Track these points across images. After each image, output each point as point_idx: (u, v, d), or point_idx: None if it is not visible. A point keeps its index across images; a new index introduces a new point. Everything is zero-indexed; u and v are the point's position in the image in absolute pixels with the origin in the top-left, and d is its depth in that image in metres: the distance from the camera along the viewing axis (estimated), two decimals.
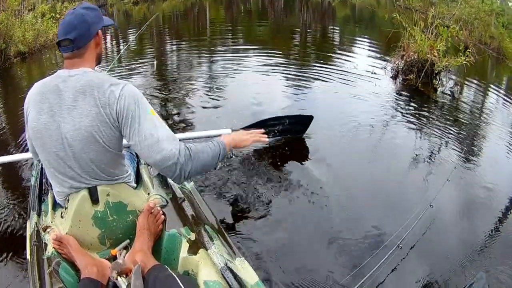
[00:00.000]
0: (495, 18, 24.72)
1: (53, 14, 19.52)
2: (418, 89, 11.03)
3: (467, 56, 10.99)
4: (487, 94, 12.15)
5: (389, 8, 45.91)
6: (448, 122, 8.91)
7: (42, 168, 4.07)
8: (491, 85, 13.01)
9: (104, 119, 2.89)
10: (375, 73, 12.27)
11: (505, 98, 11.79)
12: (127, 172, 3.35)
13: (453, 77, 12.26)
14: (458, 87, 11.90)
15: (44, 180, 4.01)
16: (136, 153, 3.89)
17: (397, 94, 10.87)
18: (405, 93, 10.83)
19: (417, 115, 9.27)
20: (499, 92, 12.51)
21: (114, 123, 2.94)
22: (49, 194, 3.70)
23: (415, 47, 11.69)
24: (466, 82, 12.50)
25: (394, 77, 12.02)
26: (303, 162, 6.57)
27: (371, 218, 5.21)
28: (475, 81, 12.78)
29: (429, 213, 4.83)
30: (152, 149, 2.89)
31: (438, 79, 11.77)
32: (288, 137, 6.96)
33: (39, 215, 3.62)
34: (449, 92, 11.40)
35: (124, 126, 2.94)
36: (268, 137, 4.96)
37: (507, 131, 8.85)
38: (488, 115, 10.11)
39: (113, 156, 3.11)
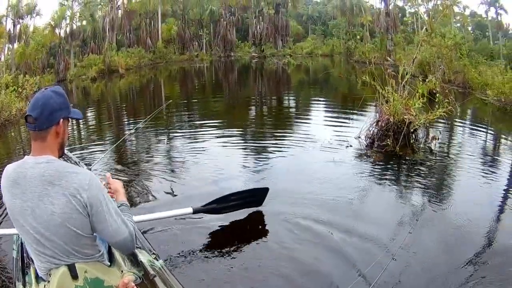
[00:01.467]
0: (459, 51, 24.86)
1: (15, 87, 19.43)
2: (396, 154, 10.45)
3: (445, 106, 10.68)
4: (463, 133, 12.62)
5: (344, 67, 47.23)
6: (424, 184, 8.66)
7: (22, 243, 4.24)
8: (465, 123, 13.50)
9: (73, 207, 2.97)
10: (343, 141, 11.92)
11: (477, 130, 12.51)
12: (99, 252, 3.35)
13: (427, 130, 11.99)
14: (435, 140, 11.43)
15: (25, 254, 4.13)
16: None
17: (372, 163, 10.24)
18: (382, 161, 10.26)
19: (395, 182, 9.00)
20: (473, 127, 13.08)
21: (84, 210, 3.02)
22: (31, 267, 3.58)
23: (389, 110, 11.11)
24: (440, 130, 12.47)
25: (370, 145, 11.38)
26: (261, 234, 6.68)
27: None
28: (448, 126, 12.90)
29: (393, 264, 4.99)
30: (116, 233, 3.16)
31: (414, 137, 11.27)
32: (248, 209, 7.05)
33: (24, 286, 3.69)
34: (427, 148, 11.16)
35: (93, 215, 3.06)
36: (230, 211, 6.32)
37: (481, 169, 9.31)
38: (463, 159, 10.36)
39: (85, 239, 3.17)
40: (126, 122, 17.88)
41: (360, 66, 43.03)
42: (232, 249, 6.12)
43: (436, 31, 26.68)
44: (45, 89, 3.13)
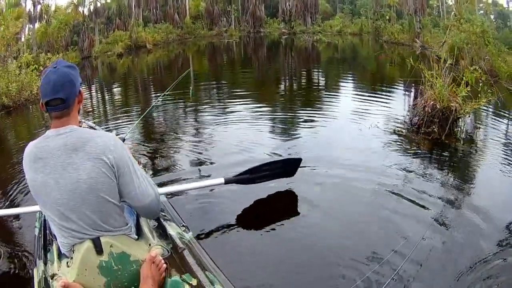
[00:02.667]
0: (486, 38, 24.14)
1: (37, 66, 19.23)
2: (442, 142, 9.87)
3: (490, 94, 10.22)
4: (501, 123, 12.09)
5: (372, 46, 46.56)
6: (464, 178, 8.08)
7: (45, 220, 4.23)
8: (501, 113, 12.92)
9: (100, 170, 3.05)
10: (385, 125, 11.46)
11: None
12: (127, 224, 3.42)
13: (469, 119, 11.32)
14: (477, 129, 11.16)
15: (48, 231, 4.13)
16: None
17: (421, 151, 9.61)
18: (430, 149, 9.67)
19: (446, 173, 8.40)
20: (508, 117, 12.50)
21: (111, 172, 3.12)
22: (54, 244, 3.72)
23: (434, 95, 10.52)
24: (479, 121, 11.99)
25: (415, 131, 10.73)
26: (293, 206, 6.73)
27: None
28: (484, 115, 12.49)
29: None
30: (143, 195, 3.31)
31: (457, 126, 10.66)
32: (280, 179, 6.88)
33: (45, 263, 3.67)
34: (469, 137, 10.60)
35: (120, 176, 3.18)
36: (262, 181, 6.31)
37: None
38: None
39: (113, 207, 3.23)
40: (154, 95, 17.69)
41: (389, 46, 42.59)
42: (263, 222, 6.14)
43: (464, 17, 26.07)
44: (55, 68, 3.15)
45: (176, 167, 8.39)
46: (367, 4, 63.22)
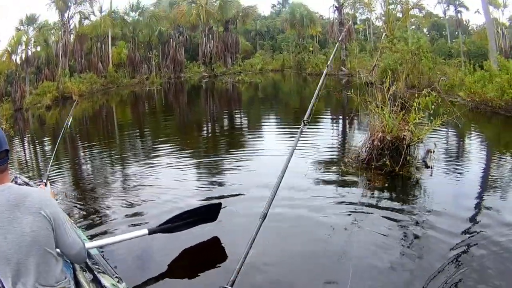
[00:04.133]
0: (423, 54, 24.50)
1: None
2: (397, 174, 9.57)
3: (443, 116, 10.03)
4: (451, 141, 12.92)
5: (295, 81, 46.97)
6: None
7: None
8: (447, 130, 13.57)
9: (40, 223, 3.18)
10: (329, 163, 11.32)
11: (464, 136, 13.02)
12: (65, 278, 3.51)
13: (421, 144, 10.87)
14: (430, 153, 10.70)
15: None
16: (70, 261, 3.97)
17: (379, 188, 9.17)
18: (387, 184, 9.33)
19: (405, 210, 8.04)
20: (456, 133, 13.53)
21: (49, 224, 3.24)
22: None
23: (382, 127, 10.14)
24: (430, 141, 11.61)
25: (366, 167, 10.22)
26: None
27: None
28: (434, 135, 12.21)
29: None
30: (74, 243, 3.47)
31: (409, 154, 10.20)
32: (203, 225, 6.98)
33: None
34: (423, 163, 10.32)
35: (56, 228, 3.30)
36: (185, 229, 6.42)
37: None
38: (463, 173, 10.07)
39: (54, 260, 3.34)
40: (81, 147, 17.43)
41: (313, 78, 42.88)
42: (190, 265, 6.34)
43: (397, 36, 26.40)
44: None
45: (105, 218, 8.31)
46: (289, 37, 63.92)
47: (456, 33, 56.33)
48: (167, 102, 36.21)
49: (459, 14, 54.17)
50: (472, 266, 5.80)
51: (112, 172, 12.44)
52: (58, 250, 3.51)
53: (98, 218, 8.27)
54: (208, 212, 7.03)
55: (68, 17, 47.18)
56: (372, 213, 7.74)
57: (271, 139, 15.17)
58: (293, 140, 12.04)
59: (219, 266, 6.28)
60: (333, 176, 10.02)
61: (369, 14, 54.49)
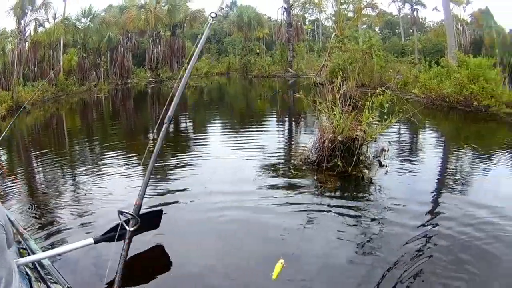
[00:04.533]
0: (374, 52, 24.33)
1: None
2: (349, 174, 9.55)
3: (398, 115, 10.00)
4: (403, 138, 13.25)
5: (240, 83, 46.78)
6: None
7: None
8: (401, 127, 13.90)
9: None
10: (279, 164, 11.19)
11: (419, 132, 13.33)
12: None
13: (374, 144, 10.91)
14: (384, 151, 10.72)
15: None
16: (26, 272, 4.08)
17: (330, 190, 9.17)
18: (339, 186, 9.32)
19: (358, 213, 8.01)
20: (411, 130, 13.85)
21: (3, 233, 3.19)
22: None
23: (332, 128, 10.01)
24: (382, 139, 11.55)
25: (316, 168, 10.18)
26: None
27: None
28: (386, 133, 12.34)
29: None
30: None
31: (361, 153, 10.16)
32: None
33: None
34: (377, 162, 10.39)
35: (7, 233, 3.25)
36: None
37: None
38: (417, 171, 10.35)
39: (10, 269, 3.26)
40: (34, 156, 16.60)
41: (259, 80, 42.66)
42: (136, 274, 6.23)
43: (347, 36, 26.27)
44: None
45: (55, 228, 8.05)
46: (235, 40, 63.63)
47: (411, 30, 56.90)
48: (114, 109, 35.87)
49: (415, 12, 54.72)
50: (427, 259, 6.03)
51: (62, 181, 11.94)
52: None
53: (48, 229, 8.02)
54: (150, 220, 6.88)
55: (24, 24, 46.14)
56: (326, 212, 7.81)
57: (215, 142, 15.25)
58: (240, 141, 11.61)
59: (168, 274, 6.32)
60: (281, 180, 9.85)
61: (318, 14, 54.57)
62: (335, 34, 32.06)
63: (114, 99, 43.19)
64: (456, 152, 11.92)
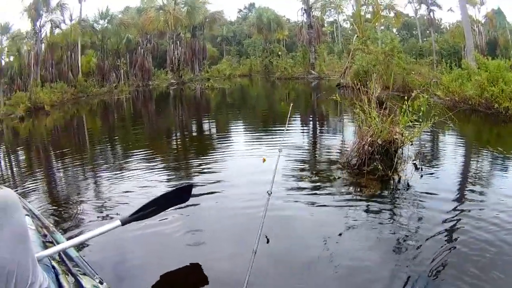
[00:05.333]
0: (396, 55, 24.32)
1: None
2: (390, 178, 9.36)
3: (434, 118, 9.77)
4: (437, 142, 13.06)
5: (263, 85, 46.77)
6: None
7: None
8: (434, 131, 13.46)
9: None
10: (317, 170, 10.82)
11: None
12: (47, 282, 3.29)
13: (410, 146, 10.70)
14: (420, 155, 10.79)
15: None
16: (52, 265, 4.02)
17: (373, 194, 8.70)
18: (380, 190, 8.94)
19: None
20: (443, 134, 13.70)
21: None
22: None
23: (371, 131, 9.81)
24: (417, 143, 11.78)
25: (358, 172, 9.84)
26: None
27: None
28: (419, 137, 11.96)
29: None
30: None
31: (398, 157, 9.93)
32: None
33: None
34: (412, 166, 10.08)
35: None
36: (157, 213, 5.91)
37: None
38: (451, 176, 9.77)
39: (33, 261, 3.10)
40: (54, 158, 16.73)
41: (282, 82, 42.61)
42: (167, 255, 6.49)
43: (370, 37, 26.22)
44: None
45: (80, 221, 8.21)
46: (255, 42, 63.73)
47: (428, 31, 56.72)
48: (135, 110, 35.86)
49: (431, 13, 54.35)
50: (470, 263, 5.62)
51: (84, 179, 12.13)
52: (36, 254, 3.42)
53: (73, 222, 8.21)
54: (179, 194, 6.79)
55: (39, 25, 46.43)
56: (372, 217, 7.50)
57: (239, 143, 15.25)
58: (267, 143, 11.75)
59: (198, 250, 6.51)
60: (322, 184, 9.57)
61: (336, 16, 54.53)
62: (357, 36, 31.93)
63: (135, 100, 43.41)
64: (485, 155, 11.56)
